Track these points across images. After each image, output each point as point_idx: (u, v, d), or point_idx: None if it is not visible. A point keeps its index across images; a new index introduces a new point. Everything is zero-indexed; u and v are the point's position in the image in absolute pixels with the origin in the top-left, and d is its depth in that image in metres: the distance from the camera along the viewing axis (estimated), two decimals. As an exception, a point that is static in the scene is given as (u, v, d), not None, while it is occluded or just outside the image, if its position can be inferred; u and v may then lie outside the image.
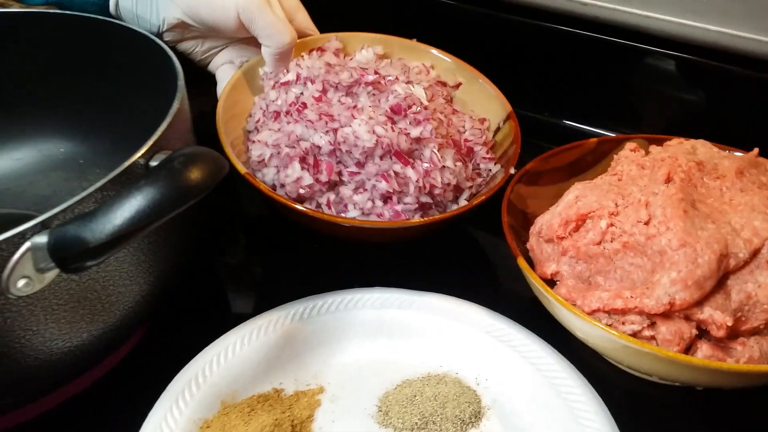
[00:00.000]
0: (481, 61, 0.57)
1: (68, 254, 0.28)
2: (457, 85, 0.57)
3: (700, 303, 0.34)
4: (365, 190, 0.46)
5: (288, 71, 0.52)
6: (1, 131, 0.53)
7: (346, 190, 0.47)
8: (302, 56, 0.54)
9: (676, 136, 0.48)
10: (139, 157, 0.34)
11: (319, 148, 0.46)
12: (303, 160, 0.47)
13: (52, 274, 0.31)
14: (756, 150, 0.44)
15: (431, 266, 0.49)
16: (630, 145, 0.45)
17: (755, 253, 0.35)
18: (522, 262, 0.38)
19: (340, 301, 0.42)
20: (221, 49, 0.56)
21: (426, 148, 0.47)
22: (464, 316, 0.42)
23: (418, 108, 0.48)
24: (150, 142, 0.35)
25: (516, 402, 0.38)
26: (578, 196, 0.39)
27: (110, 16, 0.53)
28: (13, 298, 0.30)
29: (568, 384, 0.38)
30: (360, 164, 0.46)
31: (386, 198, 0.46)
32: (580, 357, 0.40)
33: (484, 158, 0.52)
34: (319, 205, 0.47)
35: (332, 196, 0.47)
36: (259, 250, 0.52)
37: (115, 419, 0.38)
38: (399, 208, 0.46)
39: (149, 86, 0.45)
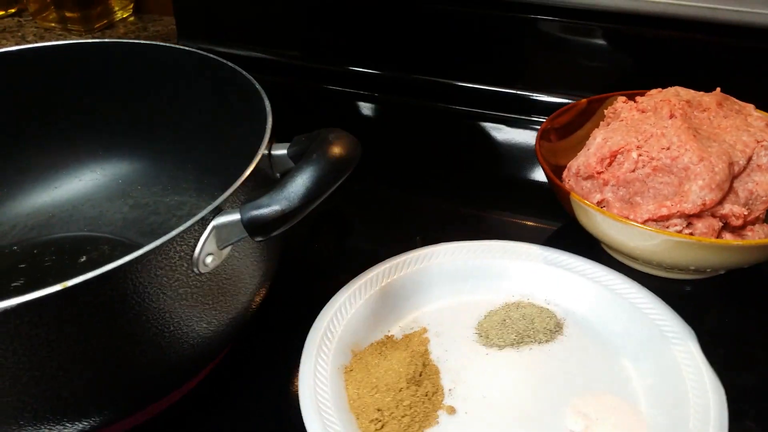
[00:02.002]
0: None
1: (265, 222, 0.34)
2: None
3: (721, 202, 0.44)
4: None
5: None
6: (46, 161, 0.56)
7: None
8: None
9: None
10: (264, 149, 0.40)
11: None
12: None
13: (227, 250, 0.36)
14: (718, 89, 0.55)
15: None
16: (621, 98, 0.55)
17: (749, 160, 0.45)
18: (575, 196, 0.47)
19: (423, 255, 0.49)
20: None
21: None
22: (523, 253, 0.50)
23: None
24: (267, 137, 0.41)
25: (583, 310, 0.47)
26: (605, 138, 0.48)
27: None
28: (198, 273, 0.36)
29: (621, 285, 0.46)
30: None
31: None
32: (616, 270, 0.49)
33: None
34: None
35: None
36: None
37: (257, 379, 0.43)
38: None
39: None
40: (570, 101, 0.67)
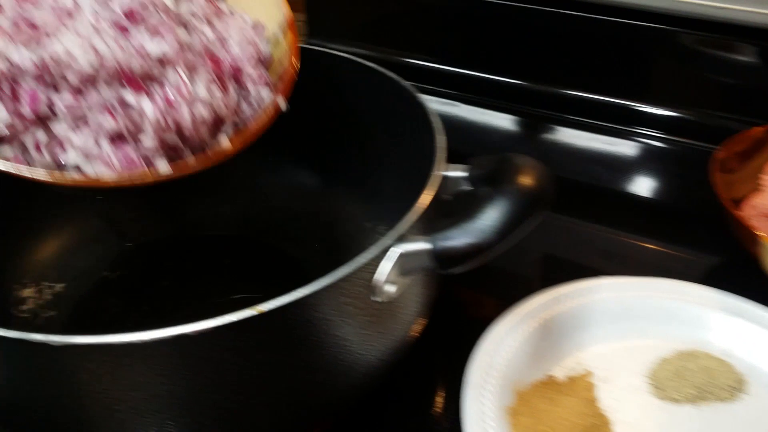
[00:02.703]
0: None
1: (457, 254, 0.32)
2: None
3: None
4: (87, 125, 0.35)
5: None
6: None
7: (60, 127, 0.34)
8: None
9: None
10: (440, 169, 0.38)
11: (20, 69, 0.33)
12: None
13: (407, 279, 0.34)
14: None
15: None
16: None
17: None
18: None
19: (585, 289, 0.46)
20: None
21: (169, 70, 0.35)
22: (696, 296, 0.46)
23: (161, 15, 0.35)
24: (440, 156, 0.39)
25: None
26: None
27: None
28: (379, 302, 0.34)
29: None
30: (78, 91, 0.34)
31: (117, 138, 0.35)
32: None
33: (255, 81, 0.40)
34: (25, 150, 0.35)
35: (42, 136, 0.35)
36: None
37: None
38: (133, 153, 0.35)
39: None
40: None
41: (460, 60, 0.76)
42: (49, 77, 0.33)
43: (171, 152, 0.36)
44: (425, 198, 0.35)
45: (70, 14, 0.34)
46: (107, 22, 0.34)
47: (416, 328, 0.39)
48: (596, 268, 0.51)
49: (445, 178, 0.38)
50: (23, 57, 0.33)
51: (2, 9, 0.34)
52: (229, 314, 0.28)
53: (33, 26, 0.33)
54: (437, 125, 0.40)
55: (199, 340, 0.28)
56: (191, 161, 0.36)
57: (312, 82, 0.50)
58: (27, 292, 0.45)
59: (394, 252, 0.33)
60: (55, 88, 0.34)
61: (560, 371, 0.43)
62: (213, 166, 0.37)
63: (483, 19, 0.73)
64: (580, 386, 0.42)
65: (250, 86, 0.39)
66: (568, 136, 0.70)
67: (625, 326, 0.45)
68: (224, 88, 0.37)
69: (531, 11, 0.70)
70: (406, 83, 0.45)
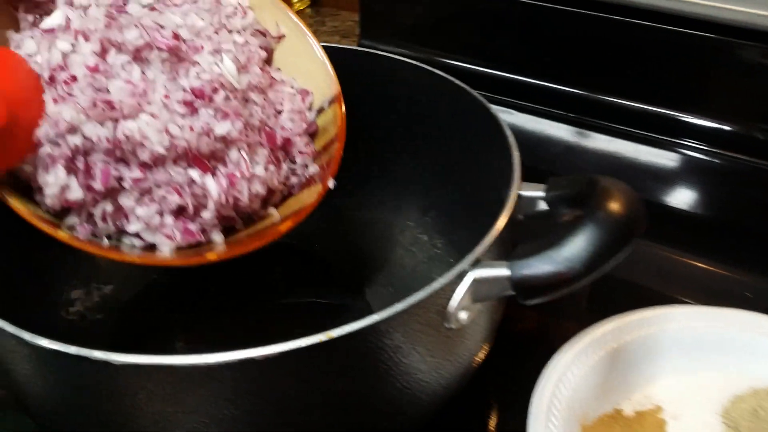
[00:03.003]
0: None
1: (540, 284, 0.29)
2: (280, 38, 0.43)
3: None
4: (153, 200, 0.36)
5: (54, 4, 0.36)
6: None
7: (127, 200, 0.35)
8: None
9: None
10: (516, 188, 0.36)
11: (92, 143, 0.33)
12: (70, 160, 0.34)
13: (479, 305, 0.32)
14: None
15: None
16: None
17: None
18: None
19: (655, 318, 0.43)
20: None
21: (233, 150, 0.36)
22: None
23: (227, 95, 0.36)
24: (516, 174, 0.37)
25: None
26: None
27: None
28: (448, 329, 0.32)
29: None
30: (146, 166, 0.35)
31: (179, 212, 0.36)
32: None
33: (302, 152, 0.41)
34: (91, 217, 0.36)
35: (109, 207, 0.35)
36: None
37: None
38: (192, 226, 0.36)
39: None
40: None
41: (512, 65, 0.74)
42: (120, 152, 0.34)
43: (225, 222, 0.37)
44: (502, 219, 0.33)
45: (144, 93, 0.34)
46: (177, 101, 0.35)
47: (481, 354, 0.37)
48: (660, 291, 0.49)
49: (520, 197, 0.36)
50: (98, 133, 0.33)
51: (76, 79, 0.34)
52: (298, 339, 0.27)
53: (110, 106, 0.33)
54: (512, 140, 0.38)
55: (265, 365, 0.27)
56: (245, 242, 0.37)
57: (375, 88, 0.49)
58: (76, 294, 0.44)
59: (470, 277, 0.31)
60: (125, 161, 0.34)
61: (628, 405, 0.40)
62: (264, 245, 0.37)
63: (537, 25, 0.71)
64: (650, 422, 0.39)
65: (298, 158, 0.41)
66: (622, 146, 0.68)
67: (696, 359, 0.42)
68: (278, 163, 0.39)
69: (584, 17, 0.67)
70: (476, 93, 0.43)
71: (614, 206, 0.30)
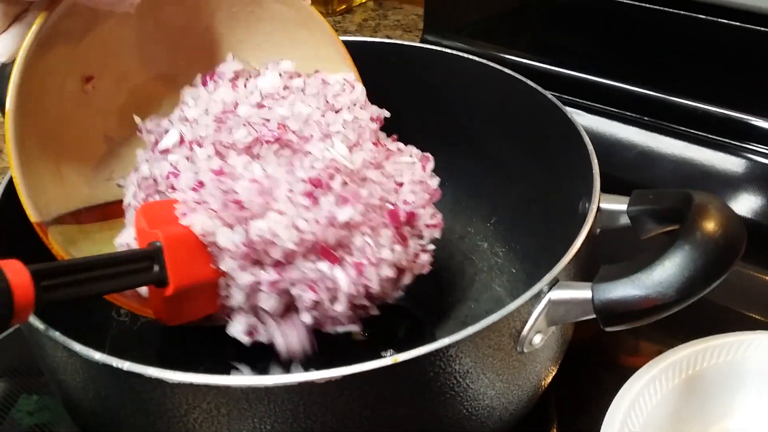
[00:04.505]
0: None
1: (627, 310, 0.27)
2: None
3: None
4: (294, 309, 0.34)
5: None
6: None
7: (267, 303, 0.33)
8: (186, 96, 0.38)
9: None
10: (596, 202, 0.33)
11: (230, 251, 0.32)
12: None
13: (552, 329, 0.30)
14: None
15: None
16: None
17: None
18: None
19: (734, 344, 0.40)
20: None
21: (356, 235, 0.34)
22: None
23: (344, 179, 0.34)
24: (596, 188, 0.34)
25: None
26: None
27: None
28: (521, 353, 0.29)
29: None
30: (279, 265, 0.33)
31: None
32: None
33: (429, 225, 0.37)
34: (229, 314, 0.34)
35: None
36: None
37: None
38: (330, 329, 0.35)
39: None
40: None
41: (582, 64, 0.70)
42: (254, 255, 0.33)
43: (359, 311, 0.35)
44: (581, 235, 0.30)
45: (270, 190, 0.33)
46: (300, 194, 0.33)
47: (550, 377, 0.35)
48: (744, 314, 0.45)
49: (599, 210, 0.33)
50: (233, 240, 0.32)
51: (203, 185, 0.33)
52: (362, 363, 0.25)
53: (240, 206, 0.32)
54: (590, 148, 0.35)
55: (325, 388, 0.25)
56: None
57: (438, 87, 0.47)
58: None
59: (547, 299, 0.28)
60: (260, 264, 0.33)
61: (706, 438, 0.38)
62: None
63: (606, 22, 0.67)
64: (730, 458, 0.36)
65: (425, 231, 0.37)
66: (698, 153, 0.64)
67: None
68: (404, 241, 0.36)
69: (657, 13, 0.63)
70: (550, 94, 0.40)
71: (712, 226, 0.27)
